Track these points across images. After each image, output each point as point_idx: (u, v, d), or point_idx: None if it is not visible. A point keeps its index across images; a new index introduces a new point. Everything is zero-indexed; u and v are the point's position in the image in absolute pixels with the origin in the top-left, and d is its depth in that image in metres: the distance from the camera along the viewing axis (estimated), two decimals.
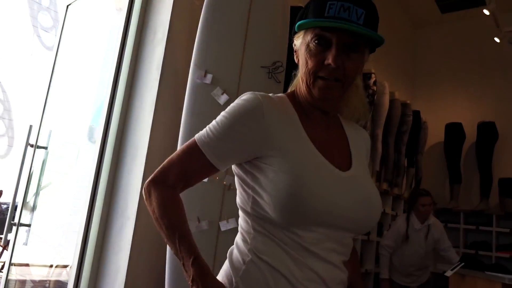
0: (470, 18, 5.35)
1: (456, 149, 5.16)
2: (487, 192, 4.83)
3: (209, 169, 0.94)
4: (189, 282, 0.87)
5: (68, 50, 3.15)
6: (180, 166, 0.95)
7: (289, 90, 1.05)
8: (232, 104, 0.94)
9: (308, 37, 0.93)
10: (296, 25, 0.95)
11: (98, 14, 3.15)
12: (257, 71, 2.30)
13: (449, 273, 2.76)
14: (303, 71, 0.95)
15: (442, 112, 5.47)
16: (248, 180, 0.93)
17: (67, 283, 2.47)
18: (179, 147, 2.20)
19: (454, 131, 5.16)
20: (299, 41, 0.98)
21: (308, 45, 0.93)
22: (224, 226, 2.15)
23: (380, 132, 4.17)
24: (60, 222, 3.07)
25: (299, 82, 0.99)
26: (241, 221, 0.95)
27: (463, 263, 2.79)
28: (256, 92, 0.95)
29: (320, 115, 0.99)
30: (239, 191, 0.97)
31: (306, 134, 0.93)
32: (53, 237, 3.15)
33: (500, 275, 2.48)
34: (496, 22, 4.19)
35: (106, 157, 2.47)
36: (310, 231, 0.87)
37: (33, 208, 3.06)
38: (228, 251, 0.95)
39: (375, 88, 3.99)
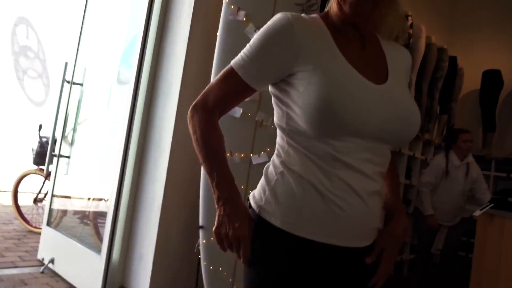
0: None
1: (492, 97, 5.00)
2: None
3: (246, 90, 0.97)
4: (216, 203, 0.94)
5: None
6: (219, 90, 0.99)
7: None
8: (263, 26, 0.96)
9: None
10: None
11: None
12: (291, 8, 2.27)
13: (477, 213, 2.77)
14: None
15: (479, 59, 5.25)
16: (282, 97, 0.95)
17: (105, 213, 2.64)
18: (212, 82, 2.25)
19: (491, 78, 4.98)
20: None
21: None
22: (256, 160, 2.23)
23: (414, 77, 4.08)
24: (97, 155, 3.22)
25: (331, 1, 0.98)
26: (278, 138, 0.99)
27: (492, 204, 2.79)
28: (287, 12, 0.94)
29: (353, 33, 0.98)
30: (275, 110, 1.00)
31: (339, 49, 0.93)
32: (90, 171, 3.32)
33: None
34: None
35: (140, 94, 2.55)
36: (343, 140, 0.87)
37: (72, 142, 3.22)
38: (265, 167, 1.00)
39: (411, 31, 3.86)
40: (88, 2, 3.18)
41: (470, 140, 3.41)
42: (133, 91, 2.52)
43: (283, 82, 0.95)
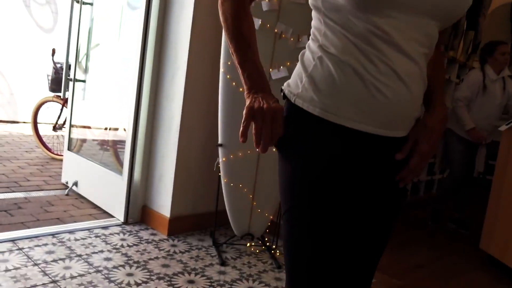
0: None
1: None
2: None
3: None
4: (247, 94, 0.87)
5: None
6: None
7: None
8: None
9: None
10: None
11: None
12: None
13: (503, 128, 2.68)
14: None
15: None
16: None
17: (123, 141, 2.62)
18: None
19: None
20: None
21: None
22: (275, 74, 2.13)
23: None
24: (112, 80, 3.16)
25: None
26: (313, 21, 0.89)
27: None
28: None
29: None
30: None
31: None
32: (107, 97, 3.28)
33: None
34: None
35: (153, 13, 2.41)
36: (387, 16, 0.77)
37: (86, 69, 3.15)
38: (300, 54, 0.92)
39: None
40: None
41: (508, 53, 3.20)
42: (146, 9, 2.39)
43: None
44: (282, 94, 0.90)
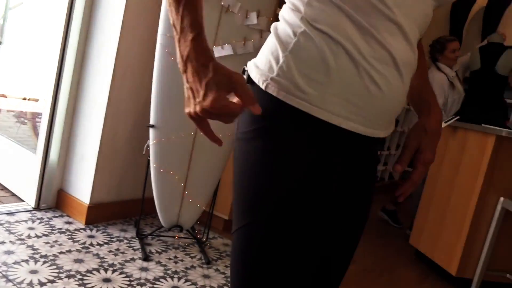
0: None
1: (463, 12, 4.82)
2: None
3: None
4: (181, 62, 0.61)
5: None
6: None
7: None
8: None
9: None
10: None
11: None
12: None
13: (443, 125, 2.69)
14: None
15: None
16: None
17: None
18: None
19: None
20: None
21: None
22: (219, 52, 1.92)
23: None
24: (33, 46, 2.78)
25: None
26: None
27: (458, 117, 2.70)
28: None
29: None
30: None
31: None
32: (26, 65, 2.90)
33: (497, 128, 2.40)
34: None
35: None
36: None
37: (1, 29, 2.74)
38: (271, 26, 0.71)
39: None
40: None
41: (458, 49, 3.21)
42: None
43: None
44: (245, 76, 0.70)
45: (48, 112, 2.17)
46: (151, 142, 1.96)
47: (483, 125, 2.44)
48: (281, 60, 0.65)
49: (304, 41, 0.64)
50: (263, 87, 0.65)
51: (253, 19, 1.94)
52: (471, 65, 3.55)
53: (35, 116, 2.91)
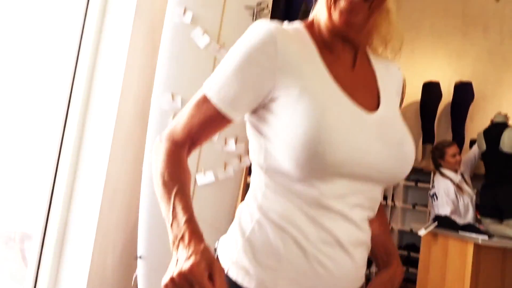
0: None
1: (431, 109, 5.14)
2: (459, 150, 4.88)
3: (221, 120, 0.80)
4: (173, 243, 0.69)
5: None
6: (189, 120, 0.82)
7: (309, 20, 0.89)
8: (240, 39, 0.80)
9: None
10: None
11: None
12: (241, 12, 2.10)
13: (422, 232, 2.75)
14: None
15: (421, 70, 5.40)
16: (261, 127, 0.80)
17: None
18: (154, 93, 2.01)
19: (431, 90, 5.12)
20: None
21: None
22: (201, 179, 2.01)
23: None
24: (26, 170, 2.85)
25: (320, 9, 0.84)
26: (253, 175, 0.83)
27: (436, 223, 2.78)
28: (268, 21, 0.79)
29: (343, 48, 0.84)
30: (251, 142, 0.84)
31: (327, 70, 0.79)
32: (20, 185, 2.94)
33: (473, 235, 2.48)
34: None
35: (74, 103, 2.25)
36: (332, 183, 0.73)
37: None
38: (238, 208, 0.83)
39: None
40: None
41: (457, 153, 3.31)
42: (68, 96, 2.22)
43: (264, 109, 0.79)
44: (216, 253, 0.79)
45: (39, 241, 2.18)
46: (140, 273, 1.96)
47: (460, 232, 2.52)
48: (239, 245, 0.75)
49: (258, 229, 0.75)
50: (226, 270, 0.74)
51: (231, 145, 2.07)
52: (479, 147, 3.68)
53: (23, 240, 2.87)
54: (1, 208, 3.00)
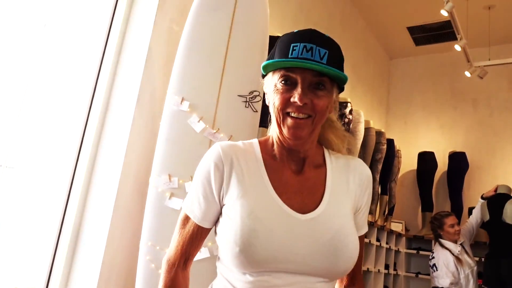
0: (442, 51, 5.55)
1: (428, 178, 5.26)
2: (458, 220, 4.92)
3: (201, 231, 1.01)
4: None
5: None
6: (179, 238, 1.03)
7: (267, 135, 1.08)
8: (199, 163, 1.02)
9: (275, 78, 0.96)
10: (262, 66, 0.98)
11: (75, 37, 3.11)
12: (234, 100, 2.30)
13: None
14: (273, 110, 0.98)
15: (415, 141, 5.59)
16: (217, 228, 0.99)
17: None
18: (152, 174, 2.17)
19: (426, 159, 5.27)
20: (268, 82, 1.01)
21: (275, 85, 0.96)
22: (197, 255, 2.11)
23: None
24: (28, 243, 2.95)
25: (273, 127, 1.01)
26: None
27: None
28: (220, 143, 1.00)
29: (289, 158, 1.00)
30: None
31: (269, 179, 0.96)
32: (19, 259, 3.02)
33: None
34: (467, 57, 4.35)
35: (77, 182, 2.41)
36: (266, 274, 0.88)
37: None
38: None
39: (351, 116, 4.05)
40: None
41: (456, 223, 3.39)
42: (70, 181, 2.39)
43: (221, 214, 0.98)
44: None
45: None
46: None
47: None
48: None
49: None
50: None
51: None
52: (482, 217, 3.74)
53: None
54: (3, 263, 3.07)
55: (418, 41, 5.57)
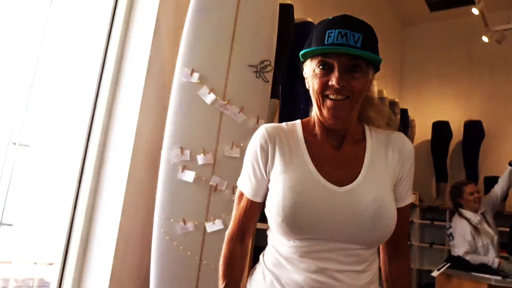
0: (458, 17, 5.37)
1: (443, 148, 5.18)
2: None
3: (254, 205, 1.13)
4: None
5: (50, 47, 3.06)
6: (236, 213, 1.17)
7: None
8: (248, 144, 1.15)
9: (314, 64, 1.04)
10: (300, 54, 1.06)
11: (81, 12, 3.07)
12: (245, 70, 2.26)
13: (435, 273, 2.76)
14: (313, 94, 1.06)
15: (429, 111, 5.49)
16: (266, 201, 1.11)
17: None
18: (164, 147, 2.16)
19: (441, 129, 5.19)
20: (307, 68, 1.08)
21: (314, 71, 1.04)
22: (210, 227, 2.12)
23: None
24: (44, 219, 3.00)
25: (313, 107, 1.10)
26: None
27: (449, 263, 2.79)
28: (265, 125, 1.12)
29: (329, 135, 1.09)
30: None
31: (309, 155, 1.05)
32: (37, 234, 3.08)
33: (486, 276, 2.49)
34: (485, 21, 4.20)
35: (90, 157, 2.41)
36: (306, 240, 0.99)
37: (15, 207, 2.99)
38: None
39: None
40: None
41: (476, 191, 3.34)
42: (83, 156, 2.40)
43: (268, 189, 1.11)
44: None
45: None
46: None
47: (472, 273, 2.53)
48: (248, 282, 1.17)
49: (257, 271, 1.14)
50: None
51: None
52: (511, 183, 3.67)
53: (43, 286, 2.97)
54: (18, 255, 3.14)
55: (433, 6, 5.39)
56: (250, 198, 1.12)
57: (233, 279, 1.13)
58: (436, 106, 5.53)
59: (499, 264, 3.03)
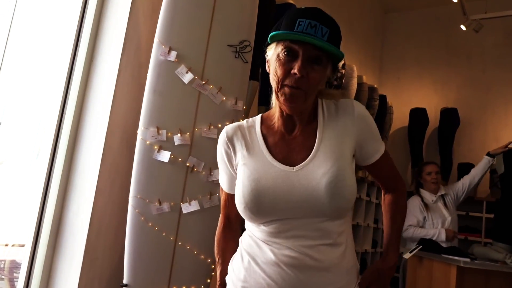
0: (438, 5, 5.40)
1: (419, 134, 5.26)
2: (447, 176, 4.96)
3: (230, 197, 1.27)
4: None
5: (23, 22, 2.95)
6: (221, 205, 1.33)
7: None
8: None
9: (279, 49, 1.08)
10: (269, 36, 1.09)
11: None
12: (224, 50, 2.22)
13: (407, 255, 2.81)
14: (273, 79, 1.10)
15: (407, 97, 5.55)
16: None
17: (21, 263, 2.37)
18: (140, 126, 2.12)
19: (418, 116, 5.25)
20: (271, 52, 1.12)
21: (278, 55, 1.08)
22: (186, 208, 2.10)
23: None
24: (16, 199, 2.93)
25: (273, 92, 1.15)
26: None
27: (421, 246, 2.85)
28: (226, 127, 1.23)
29: (284, 122, 1.16)
30: None
31: (265, 145, 1.15)
32: (8, 215, 3.00)
33: (456, 258, 2.55)
34: (463, 9, 4.24)
35: (63, 135, 2.35)
36: (269, 223, 1.08)
37: None
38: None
39: (343, 71, 3.97)
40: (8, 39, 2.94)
41: (435, 171, 3.38)
42: (55, 134, 2.33)
43: None
44: None
45: (26, 267, 2.25)
46: None
47: (442, 255, 2.59)
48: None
49: (237, 254, 1.22)
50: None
51: (217, 175, 2.17)
52: (497, 169, 3.72)
53: (13, 270, 2.91)
54: None
55: None
56: (226, 191, 1.28)
57: (224, 261, 1.26)
58: (414, 93, 5.59)
59: (447, 236, 3.15)
